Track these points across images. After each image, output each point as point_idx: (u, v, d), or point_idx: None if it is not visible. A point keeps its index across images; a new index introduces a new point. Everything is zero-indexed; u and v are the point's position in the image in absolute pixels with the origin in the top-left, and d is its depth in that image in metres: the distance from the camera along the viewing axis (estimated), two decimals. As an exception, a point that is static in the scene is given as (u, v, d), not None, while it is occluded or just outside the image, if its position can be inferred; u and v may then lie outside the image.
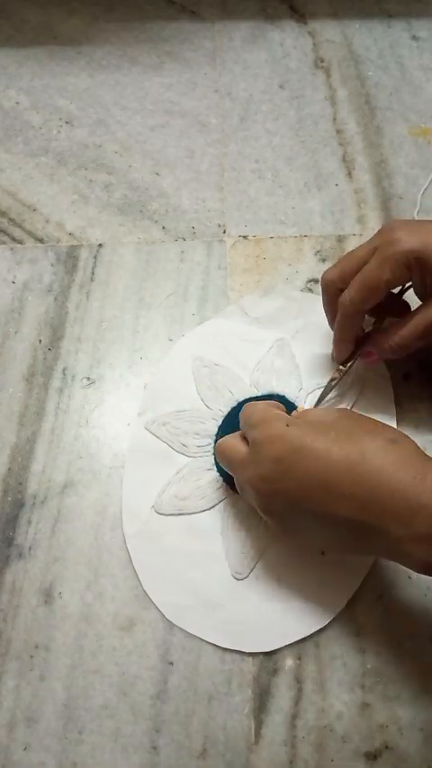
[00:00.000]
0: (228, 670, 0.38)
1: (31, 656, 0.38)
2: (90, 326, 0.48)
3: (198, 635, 0.39)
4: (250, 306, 0.48)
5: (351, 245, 0.52)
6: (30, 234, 0.52)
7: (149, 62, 0.61)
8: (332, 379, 0.44)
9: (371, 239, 0.41)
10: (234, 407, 0.44)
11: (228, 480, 0.42)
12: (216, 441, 0.43)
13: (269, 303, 0.49)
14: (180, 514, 0.41)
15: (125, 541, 0.41)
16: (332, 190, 0.54)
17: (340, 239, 0.52)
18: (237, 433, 0.39)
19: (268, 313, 0.48)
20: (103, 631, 0.39)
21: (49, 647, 0.39)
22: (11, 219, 0.53)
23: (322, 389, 0.44)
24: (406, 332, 0.40)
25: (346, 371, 0.44)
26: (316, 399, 0.44)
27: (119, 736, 0.37)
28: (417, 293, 0.41)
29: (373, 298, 0.40)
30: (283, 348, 0.47)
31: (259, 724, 0.37)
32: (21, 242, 0.52)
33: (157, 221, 0.53)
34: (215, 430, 0.44)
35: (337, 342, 0.43)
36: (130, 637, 0.39)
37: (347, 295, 0.40)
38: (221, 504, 0.42)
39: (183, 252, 0.51)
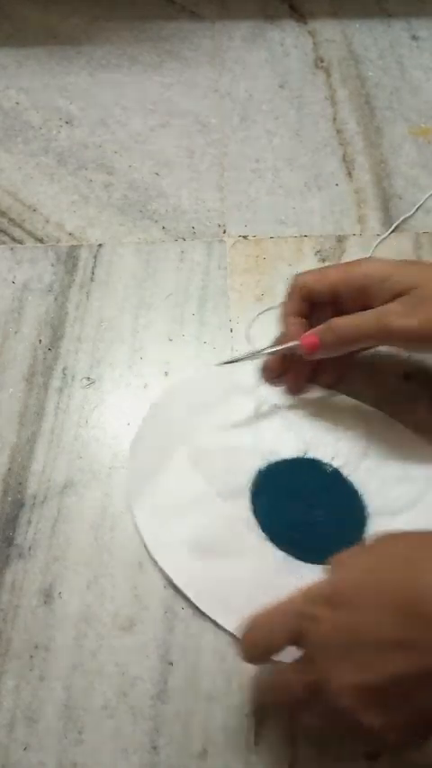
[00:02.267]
0: (228, 670, 0.38)
1: (31, 656, 0.38)
2: (90, 326, 0.48)
3: None
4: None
5: (351, 244, 0.52)
6: (30, 234, 0.52)
7: (149, 62, 0.61)
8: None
9: None
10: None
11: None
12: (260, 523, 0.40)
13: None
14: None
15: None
16: (332, 190, 0.54)
17: (340, 239, 0.52)
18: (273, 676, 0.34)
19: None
20: (103, 631, 0.39)
21: (49, 647, 0.39)
22: (11, 219, 0.53)
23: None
24: (360, 321, 0.39)
25: (278, 351, 0.42)
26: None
27: (119, 736, 0.37)
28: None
29: (327, 286, 0.40)
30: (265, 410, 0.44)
31: (259, 724, 0.37)
32: (21, 242, 0.52)
33: (157, 221, 0.53)
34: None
35: (283, 318, 0.43)
36: (130, 637, 0.39)
37: (309, 274, 0.42)
38: None
39: (183, 252, 0.51)
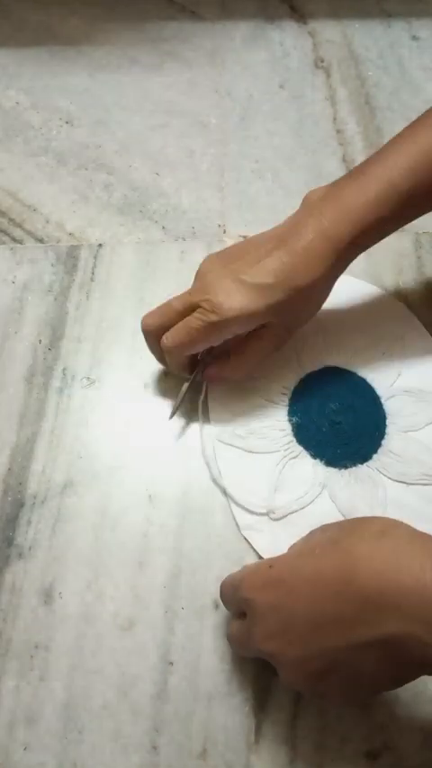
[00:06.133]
0: (228, 670, 0.38)
1: (31, 656, 0.38)
2: (90, 326, 0.48)
3: None
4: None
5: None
6: (30, 234, 0.52)
7: (150, 62, 0.61)
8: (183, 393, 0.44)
9: (189, 291, 0.42)
10: (297, 386, 0.46)
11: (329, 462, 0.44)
12: (292, 424, 0.45)
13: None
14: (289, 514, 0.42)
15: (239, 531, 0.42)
16: (332, 190, 0.54)
17: (340, 239, 0.52)
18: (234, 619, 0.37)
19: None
20: (103, 631, 0.39)
21: (49, 647, 0.39)
22: (11, 219, 0.53)
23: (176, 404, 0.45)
24: (242, 361, 0.43)
25: (192, 380, 0.44)
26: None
27: (119, 736, 0.37)
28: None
29: (194, 350, 0.42)
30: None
31: (259, 724, 0.37)
32: (21, 242, 0.52)
33: (157, 221, 0.53)
34: (286, 416, 0.45)
35: (172, 368, 0.44)
36: (130, 637, 0.39)
37: (169, 342, 0.41)
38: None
39: (183, 252, 0.51)
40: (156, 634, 0.39)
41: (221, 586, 0.37)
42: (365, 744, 0.37)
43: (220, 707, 0.37)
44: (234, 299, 0.39)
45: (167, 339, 0.41)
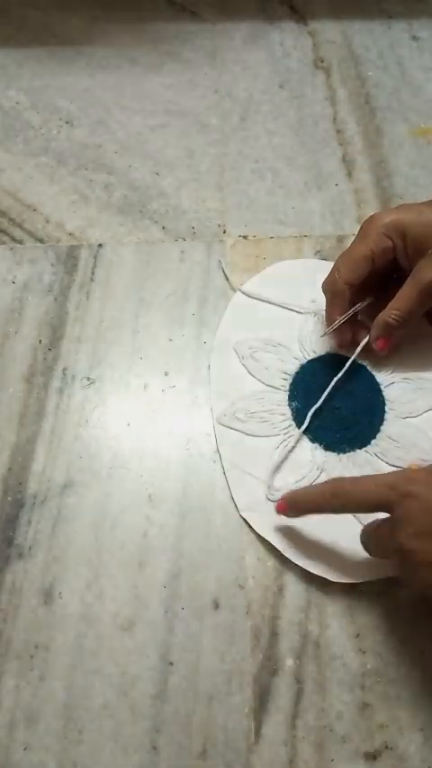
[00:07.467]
0: (228, 670, 0.38)
1: (31, 656, 0.38)
2: (90, 326, 0.48)
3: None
4: (253, 289, 0.49)
5: (351, 245, 0.52)
6: (30, 234, 0.52)
7: (149, 62, 0.61)
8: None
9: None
10: (298, 372, 0.46)
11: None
12: (292, 408, 0.45)
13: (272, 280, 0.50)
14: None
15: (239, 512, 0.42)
16: (332, 190, 0.55)
17: (340, 239, 0.52)
18: (367, 522, 0.38)
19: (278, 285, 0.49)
20: (103, 631, 0.39)
21: (49, 647, 0.39)
22: (11, 219, 0.53)
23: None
24: (404, 300, 0.42)
25: (360, 349, 0.45)
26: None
27: (119, 736, 0.37)
28: (402, 263, 0.43)
29: (359, 271, 0.42)
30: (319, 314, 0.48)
31: (259, 724, 0.37)
32: (21, 242, 0.52)
33: (157, 221, 0.53)
34: (286, 400, 0.45)
35: (331, 323, 0.45)
36: (130, 637, 0.39)
37: (334, 272, 0.43)
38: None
39: (183, 252, 0.51)
40: (156, 634, 0.39)
41: (366, 535, 0.37)
42: (365, 744, 0.37)
43: (220, 707, 0.37)
44: (393, 211, 0.42)
45: (330, 275, 0.43)
